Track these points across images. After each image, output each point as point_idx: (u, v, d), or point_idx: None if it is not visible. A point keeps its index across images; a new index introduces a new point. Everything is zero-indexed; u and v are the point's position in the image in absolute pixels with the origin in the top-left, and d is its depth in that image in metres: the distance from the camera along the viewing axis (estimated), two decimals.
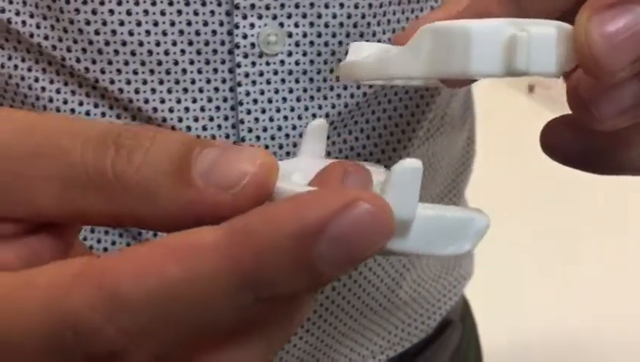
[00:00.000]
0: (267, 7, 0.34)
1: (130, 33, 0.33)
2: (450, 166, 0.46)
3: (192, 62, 0.34)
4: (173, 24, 0.33)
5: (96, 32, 0.33)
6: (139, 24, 0.33)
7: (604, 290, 1.57)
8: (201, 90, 0.34)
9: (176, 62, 0.34)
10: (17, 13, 0.34)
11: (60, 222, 0.21)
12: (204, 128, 0.35)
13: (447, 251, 0.20)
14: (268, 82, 0.35)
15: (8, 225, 0.20)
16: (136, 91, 0.34)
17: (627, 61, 0.20)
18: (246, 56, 0.34)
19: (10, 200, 0.20)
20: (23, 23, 0.34)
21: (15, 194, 0.20)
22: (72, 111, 0.35)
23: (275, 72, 0.35)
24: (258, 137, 0.35)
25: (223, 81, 0.34)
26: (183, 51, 0.34)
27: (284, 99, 0.35)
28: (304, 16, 0.34)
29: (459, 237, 0.20)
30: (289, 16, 0.34)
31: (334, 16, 0.35)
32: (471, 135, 0.48)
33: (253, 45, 0.34)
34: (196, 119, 0.35)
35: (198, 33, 0.34)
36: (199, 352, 0.19)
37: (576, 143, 0.25)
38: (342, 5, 0.35)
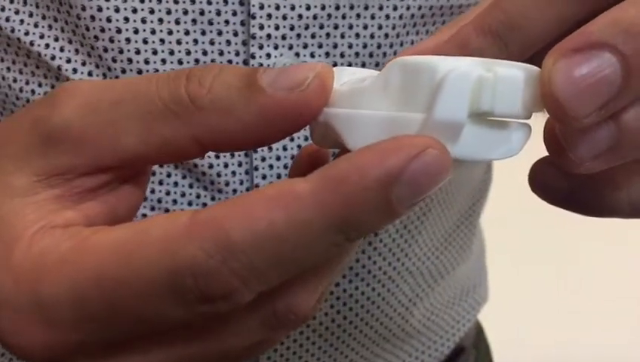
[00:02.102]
0: (283, 37, 0.34)
1: (146, 62, 0.33)
2: (468, 193, 0.46)
3: None
4: (189, 53, 0.33)
5: (114, 60, 0.33)
6: (155, 53, 0.33)
7: (621, 315, 1.55)
8: None
9: None
10: (42, 37, 0.34)
11: (143, 162, 0.23)
12: (225, 165, 0.35)
13: (496, 155, 0.21)
14: None
15: (92, 178, 0.23)
16: None
17: (592, 108, 0.20)
18: None
19: (96, 147, 0.22)
20: (47, 45, 0.34)
21: (101, 141, 0.22)
22: None
23: None
24: (273, 179, 0.35)
25: None
26: None
27: None
28: (320, 46, 0.34)
29: (506, 141, 0.22)
30: (305, 46, 0.34)
31: (350, 46, 0.35)
32: (490, 162, 0.48)
33: None
34: None
35: (213, 62, 0.34)
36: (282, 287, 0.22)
37: (563, 185, 0.24)
38: (358, 35, 0.35)
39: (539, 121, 0.23)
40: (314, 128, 0.24)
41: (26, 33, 0.34)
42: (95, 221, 0.23)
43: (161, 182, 0.35)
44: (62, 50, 0.34)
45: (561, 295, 1.63)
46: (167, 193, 0.36)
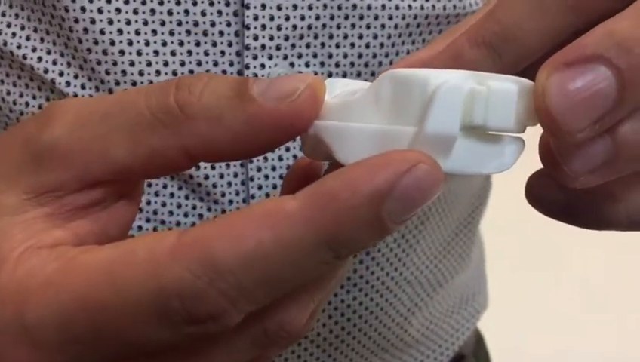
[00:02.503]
0: (278, 48, 0.33)
1: (141, 73, 0.33)
2: (467, 201, 0.46)
3: None
4: (183, 64, 0.33)
5: (107, 72, 0.33)
6: (149, 64, 0.33)
7: (621, 322, 1.55)
8: None
9: None
10: (34, 50, 0.34)
11: (132, 175, 0.22)
12: (221, 176, 0.35)
13: (488, 169, 0.21)
14: None
15: (83, 195, 0.23)
16: None
17: (587, 122, 0.20)
18: None
19: (84, 161, 0.22)
20: (39, 58, 0.34)
21: (89, 154, 0.22)
22: None
23: None
24: (268, 194, 0.35)
25: None
26: None
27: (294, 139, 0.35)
28: (315, 55, 0.34)
29: (498, 155, 0.21)
30: (299, 56, 0.34)
31: (345, 56, 0.34)
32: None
33: None
34: None
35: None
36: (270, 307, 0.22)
37: (561, 197, 0.24)
38: (353, 45, 0.34)
39: (538, 130, 0.23)
40: (305, 141, 0.23)
41: (18, 46, 0.34)
42: (85, 239, 0.23)
43: (157, 194, 0.35)
44: (54, 63, 0.34)
45: (561, 302, 1.62)
46: (163, 204, 0.35)
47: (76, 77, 0.34)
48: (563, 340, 1.52)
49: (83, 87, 0.34)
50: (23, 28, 0.34)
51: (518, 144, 0.22)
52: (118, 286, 0.20)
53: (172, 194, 0.35)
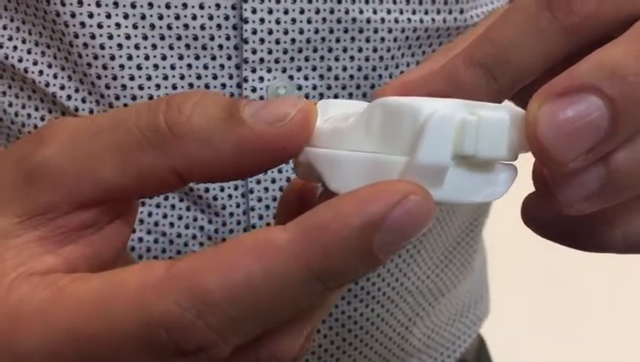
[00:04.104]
0: (276, 61, 0.33)
1: (140, 87, 0.33)
2: (468, 209, 0.45)
3: None
4: (182, 78, 0.33)
5: (107, 87, 0.33)
6: (149, 78, 0.33)
7: (624, 329, 1.54)
8: None
9: None
10: (35, 63, 0.34)
11: (123, 195, 0.22)
12: (222, 189, 0.35)
13: (481, 197, 0.21)
14: None
15: (75, 217, 0.22)
16: None
17: (578, 152, 0.19)
18: None
19: (75, 181, 0.22)
20: (40, 72, 0.34)
21: (79, 174, 0.22)
22: None
23: None
24: (267, 206, 0.35)
25: None
26: None
27: None
28: (314, 69, 0.34)
29: (491, 183, 0.21)
30: (298, 69, 0.34)
31: (344, 69, 0.34)
32: None
33: (262, 98, 0.34)
34: None
35: (207, 86, 0.34)
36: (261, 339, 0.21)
37: (556, 219, 0.24)
38: (352, 58, 0.34)
39: None
40: (298, 165, 0.23)
41: (20, 60, 0.34)
42: (76, 265, 0.23)
43: (158, 205, 0.35)
44: (55, 76, 0.34)
45: (564, 308, 1.61)
46: (164, 216, 0.35)
47: (77, 91, 0.34)
48: (566, 346, 1.51)
49: (84, 100, 0.34)
50: (24, 41, 0.34)
51: (510, 171, 0.22)
52: (106, 319, 0.20)
53: (173, 206, 0.35)
